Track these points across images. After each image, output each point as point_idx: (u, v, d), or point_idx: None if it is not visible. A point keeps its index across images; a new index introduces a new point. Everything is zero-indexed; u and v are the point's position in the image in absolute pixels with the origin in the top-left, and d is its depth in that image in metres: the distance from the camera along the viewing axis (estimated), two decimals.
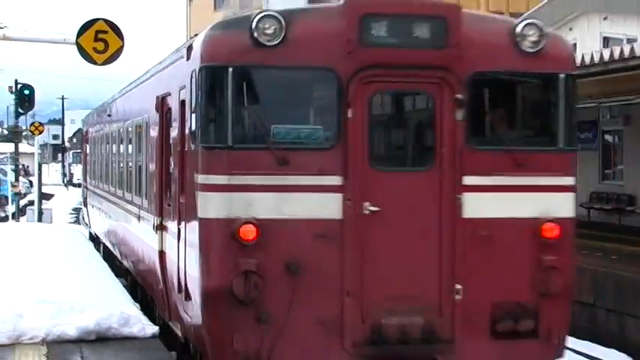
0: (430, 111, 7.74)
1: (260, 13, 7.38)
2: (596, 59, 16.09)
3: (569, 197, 7.99)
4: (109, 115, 15.81)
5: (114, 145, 15.07)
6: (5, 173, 50.36)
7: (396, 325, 7.56)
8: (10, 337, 9.26)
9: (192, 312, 7.89)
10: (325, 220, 7.46)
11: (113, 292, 11.57)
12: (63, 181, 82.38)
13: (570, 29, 29.68)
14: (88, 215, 21.69)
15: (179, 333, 8.99)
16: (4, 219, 40.96)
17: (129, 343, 9.42)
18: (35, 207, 31.48)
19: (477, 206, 7.69)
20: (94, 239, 20.04)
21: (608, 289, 15.19)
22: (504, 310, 7.73)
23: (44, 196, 41.30)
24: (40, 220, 31.25)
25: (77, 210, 41.94)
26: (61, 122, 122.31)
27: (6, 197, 42.74)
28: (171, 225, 8.98)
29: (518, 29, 7.78)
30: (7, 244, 16.38)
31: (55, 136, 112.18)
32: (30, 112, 49.15)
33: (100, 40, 11.92)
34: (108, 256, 16.50)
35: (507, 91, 8.10)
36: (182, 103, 8.49)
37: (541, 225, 7.78)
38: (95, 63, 12.10)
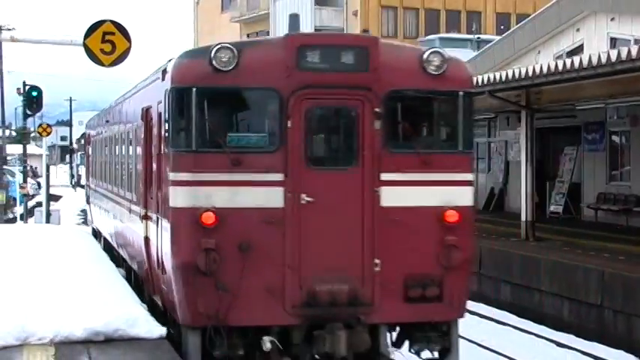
0: (354, 121, 9.59)
1: (217, 45, 9.30)
2: (604, 60, 16.06)
3: (467, 190, 9.98)
4: (107, 122, 17.69)
5: (111, 148, 16.83)
6: (13, 174, 50.41)
7: (326, 291, 9.42)
8: (18, 338, 9.27)
9: (167, 283, 9.76)
10: (270, 208, 9.35)
11: (121, 293, 11.57)
12: (71, 183, 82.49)
13: (577, 30, 29.63)
14: (90, 212, 23.96)
15: (159, 303, 10.69)
16: (13, 220, 41.02)
17: (136, 344, 9.41)
18: (43, 208, 31.51)
19: (392, 197, 9.58)
20: (97, 234, 21.81)
21: (616, 291, 15.15)
22: (414, 280, 9.61)
23: (52, 198, 41.33)
24: (48, 221, 31.30)
25: (85, 211, 42.00)
26: (68, 124, 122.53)
27: (14, 198, 42.78)
28: (153, 214, 10.68)
29: (425, 56, 9.76)
30: (16, 246, 16.41)
31: (62, 138, 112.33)
32: (38, 114, 49.44)
33: (107, 42, 11.88)
34: (108, 248, 18.06)
35: (416, 106, 9.95)
36: (159, 114, 10.27)
37: (444, 212, 9.69)
38: (102, 64, 12.08)
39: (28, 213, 40.25)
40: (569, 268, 16.56)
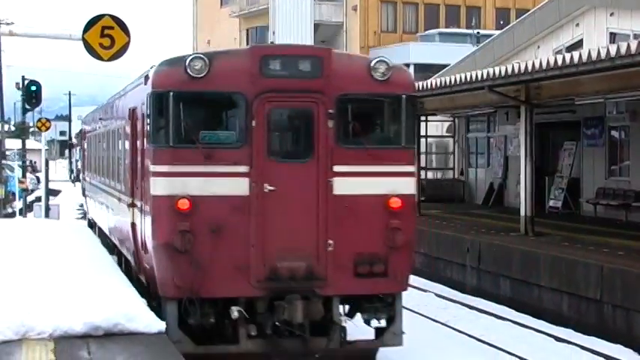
0: (310, 121, 11.03)
1: (191, 55, 10.81)
2: (603, 55, 16.05)
3: (409, 180, 11.45)
4: (100, 119, 18.92)
5: (103, 144, 18.13)
6: (13, 169, 50.35)
7: (286, 267, 10.93)
8: (17, 333, 9.27)
9: (149, 261, 11.22)
10: (237, 196, 10.83)
11: (120, 288, 11.58)
12: (70, 177, 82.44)
13: (577, 25, 29.61)
14: (86, 204, 25.05)
15: (143, 280, 12.14)
16: (12, 215, 40.97)
17: (135, 339, 9.42)
18: (42, 203, 31.49)
19: (343, 186, 11.06)
20: (92, 225, 22.92)
21: (615, 285, 15.15)
22: (363, 258, 11.09)
23: (51, 192, 41.31)
24: (47, 216, 31.28)
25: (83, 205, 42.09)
26: (68, 118, 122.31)
27: (13, 193, 42.71)
28: (138, 202, 12.03)
29: (372, 64, 11.20)
30: (15, 240, 16.41)
31: (62, 132, 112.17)
32: (37, 109, 49.20)
33: (106, 36, 11.86)
34: (101, 237, 19.29)
35: (364, 107, 11.42)
36: (143, 115, 11.62)
37: (388, 199, 11.16)
38: (101, 59, 12.05)
39: (27, 208, 40.20)
40: (568, 262, 16.57)
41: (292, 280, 10.95)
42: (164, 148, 10.84)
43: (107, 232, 17.51)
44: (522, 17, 33.74)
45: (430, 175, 34.29)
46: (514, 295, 18.20)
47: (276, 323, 10.99)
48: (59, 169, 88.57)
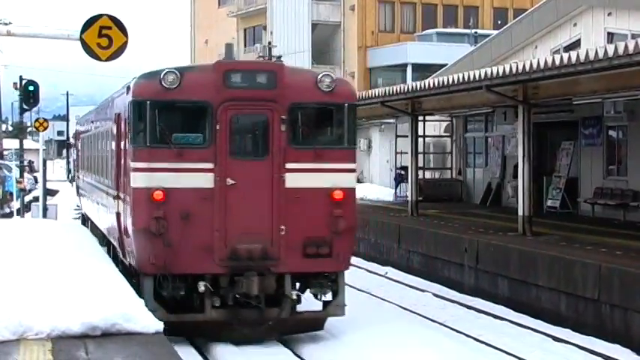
0: (266, 125, 13.22)
1: (165, 70, 12.92)
2: (601, 55, 16.05)
3: (351, 175, 13.66)
4: (92, 122, 20.78)
5: (94, 144, 19.78)
6: (10, 169, 50.29)
7: (245, 249, 13.11)
8: (15, 333, 9.26)
9: (130, 244, 13.37)
10: (203, 188, 12.98)
11: (118, 288, 11.58)
12: (67, 177, 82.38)
13: (575, 25, 29.61)
14: (80, 200, 26.70)
15: (126, 262, 14.26)
16: (9, 215, 40.90)
17: (133, 339, 9.42)
18: (40, 203, 31.41)
19: (293, 180, 13.15)
20: (85, 219, 24.77)
21: (613, 285, 15.16)
22: (311, 241, 13.20)
23: (49, 192, 41.24)
24: (44, 216, 31.22)
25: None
26: (65, 118, 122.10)
27: (11, 193, 42.65)
28: (122, 194, 14.10)
29: (319, 77, 13.33)
30: (12, 240, 16.39)
31: (59, 132, 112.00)
32: (34, 109, 49.20)
33: (103, 36, 11.81)
34: (93, 229, 21.10)
35: (312, 114, 13.62)
36: (125, 119, 13.74)
37: (332, 191, 13.28)
38: (99, 59, 12.01)
39: (25, 208, 40.14)
40: (566, 262, 16.57)
41: (250, 259, 13.21)
42: (142, 148, 13.07)
43: (98, 224, 19.32)
44: (520, 17, 33.76)
45: (428, 174, 34.31)
46: (512, 295, 18.20)
47: (236, 296, 13.28)
48: (57, 169, 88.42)
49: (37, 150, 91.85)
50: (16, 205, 40.30)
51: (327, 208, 13.33)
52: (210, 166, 13.08)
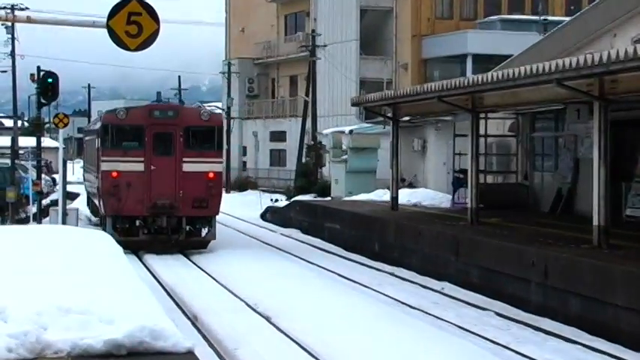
0: (172, 137, 29.90)
1: (120, 108, 31.49)
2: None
3: (219, 165, 30.94)
4: (88, 133, 38.70)
5: (90, 147, 37.11)
6: (26, 170, 50.77)
7: (161, 203, 29.70)
8: (32, 351, 9.34)
9: (102, 201, 30.54)
10: (139, 171, 29.70)
11: (144, 303, 11.62)
12: None
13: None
14: (84, 184, 44.29)
15: (101, 210, 31.69)
16: (25, 220, 41.37)
17: (162, 359, 9.45)
18: (59, 207, 31.73)
19: (188, 167, 29.83)
20: (88, 199, 41.74)
21: None
22: (196, 200, 29.77)
23: (69, 196, 41.62)
24: (64, 222, 31.50)
25: None
26: (86, 114, 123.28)
27: (27, 197, 43.08)
28: (99, 175, 30.76)
29: (201, 112, 31.71)
30: (29, 249, 16.55)
31: (80, 130, 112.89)
32: (53, 103, 49.79)
33: (133, 23, 11.81)
34: (90, 202, 38.78)
35: (198, 132, 30.16)
36: (99, 134, 30.76)
37: (208, 174, 29.98)
38: (128, 48, 12.03)
39: (42, 213, 40.57)
40: None
41: (163, 208, 29.65)
42: (107, 149, 29.84)
43: (90, 194, 36.52)
44: (596, 1, 33.44)
45: (490, 179, 34.14)
46: (585, 315, 18.03)
47: (155, 227, 29.91)
48: (77, 169, 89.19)
49: (56, 149, 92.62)
50: (32, 209, 40.74)
51: (205, 182, 30.04)
52: (142, 159, 29.91)
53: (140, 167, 29.61)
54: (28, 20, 11.79)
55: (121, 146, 29.74)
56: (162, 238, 29.82)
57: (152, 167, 29.60)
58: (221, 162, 31.02)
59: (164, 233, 29.85)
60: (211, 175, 29.97)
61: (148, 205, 29.55)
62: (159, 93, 33.99)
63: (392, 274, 25.96)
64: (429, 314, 19.73)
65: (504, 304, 20.65)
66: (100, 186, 30.33)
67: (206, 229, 30.50)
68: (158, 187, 29.45)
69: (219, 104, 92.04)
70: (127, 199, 29.49)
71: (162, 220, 29.71)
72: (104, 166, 29.98)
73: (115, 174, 29.63)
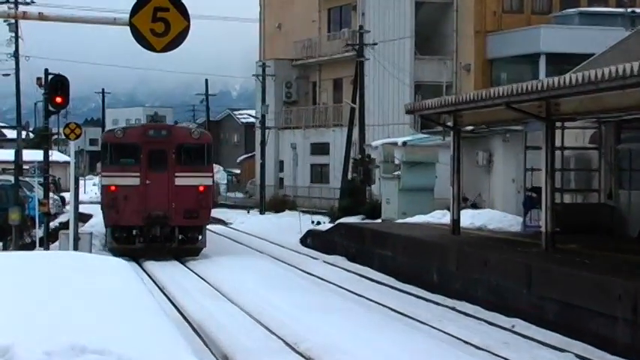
0: (165, 154, 38.44)
1: (118, 128, 44.35)
2: None
3: (209, 179, 39.78)
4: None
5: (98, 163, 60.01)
6: (32, 188, 51.15)
7: (155, 214, 38.02)
8: None
9: (104, 213, 39.93)
10: (135, 185, 38.08)
11: (168, 340, 11.72)
12: None
13: None
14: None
15: (104, 223, 40.27)
16: (30, 246, 41.73)
17: None
18: (70, 231, 32.03)
19: (180, 181, 38.36)
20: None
21: None
22: (187, 211, 38.14)
23: (80, 218, 41.99)
24: (75, 248, 31.83)
25: None
26: (99, 123, 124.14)
27: (33, 218, 43.49)
28: (103, 189, 41.04)
29: (192, 130, 42.70)
30: (36, 279, 16.70)
31: (92, 141, 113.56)
32: (62, 111, 50.28)
33: (159, 20, 11.81)
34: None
35: (189, 149, 39.00)
36: (101, 152, 41.91)
37: (198, 187, 38.57)
38: (153, 49, 12.07)
39: (50, 237, 40.90)
40: None
41: (157, 218, 37.83)
42: (107, 166, 39.35)
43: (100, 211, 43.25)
44: None
45: (568, 198, 33.97)
46: None
47: (150, 237, 38.06)
48: (89, 187, 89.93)
49: (65, 163, 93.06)
50: (38, 233, 41.10)
51: (196, 195, 38.07)
52: (138, 174, 37.84)
53: (136, 181, 37.96)
54: (41, 17, 11.89)
55: (119, 162, 38.36)
56: (157, 246, 37.99)
57: (147, 181, 37.92)
58: (211, 176, 40.40)
59: (158, 241, 38.08)
60: (201, 188, 38.57)
61: (143, 216, 37.69)
62: (155, 113, 46.11)
63: (453, 308, 25.88)
64: (498, 356, 19.64)
65: (586, 344, 20.51)
66: (101, 199, 41.11)
67: (197, 236, 39.35)
68: (153, 199, 37.72)
69: (252, 112, 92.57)
70: (125, 210, 37.72)
71: (156, 229, 37.96)
72: (104, 181, 39.68)
73: (113, 188, 38.00)
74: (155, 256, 37.17)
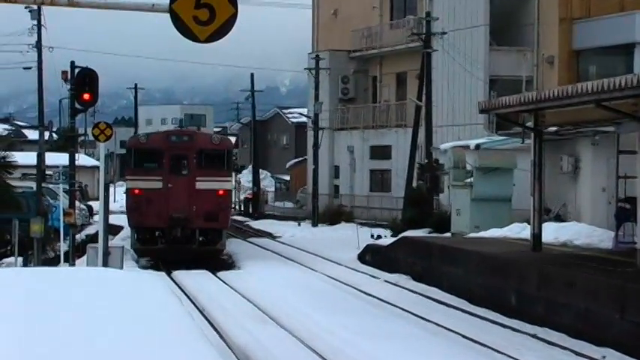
0: (187, 159, 46.59)
1: (141, 133, 58.79)
2: None
3: (228, 184, 49.03)
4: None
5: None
6: (55, 196, 51.35)
7: (177, 216, 45.33)
8: None
9: (129, 215, 47.88)
10: (158, 188, 45.72)
11: None
12: None
13: None
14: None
15: (130, 225, 48.45)
16: (54, 261, 41.97)
17: None
18: (99, 245, 32.17)
19: (201, 185, 46.01)
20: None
21: None
22: (208, 214, 45.55)
23: (110, 230, 41.96)
24: (105, 263, 31.96)
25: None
26: (132, 122, 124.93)
27: (56, 230, 43.72)
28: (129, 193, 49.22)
29: (212, 136, 53.32)
30: (58, 301, 16.77)
31: (123, 143, 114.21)
32: (89, 109, 50.62)
33: (203, 7, 11.73)
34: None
35: (209, 155, 46.80)
36: (126, 156, 53.99)
37: (218, 191, 46.47)
38: (197, 39, 12.03)
39: (76, 251, 41.03)
40: None
41: (178, 221, 44.83)
42: (131, 169, 47.33)
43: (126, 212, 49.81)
44: None
45: None
46: None
47: (172, 238, 45.11)
48: (119, 195, 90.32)
49: (93, 168, 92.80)
50: (63, 246, 41.24)
51: (216, 198, 45.52)
52: (161, 178, 45.32)
53: (159, 185, 45.23)
54: (71, 4, 11.88)
55: (143, 167, 46.06)
56: (178, 247, 44.86)
57: (169, 185, 45.11)
58: (230, 180, 50.14)
59: (180, 243, 45.11)
60: (221, 192, 46.21)
61: (165, 218, 44.71)
62: (181, 120, 52.71)
63: (534, 335, 25.75)
64: None
65: None
66: (125, 201, 48.36)
67: (217, 239, 46.63)
68: (174, 202, 44.81)
69: (304, 110, 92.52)
70: (148, 212, 44.83)
71: (177, 231, 44.99)
72: (128, 184, 47.19)
73: (137, 191, 45.61)
74: (177, 257, 44.45)
